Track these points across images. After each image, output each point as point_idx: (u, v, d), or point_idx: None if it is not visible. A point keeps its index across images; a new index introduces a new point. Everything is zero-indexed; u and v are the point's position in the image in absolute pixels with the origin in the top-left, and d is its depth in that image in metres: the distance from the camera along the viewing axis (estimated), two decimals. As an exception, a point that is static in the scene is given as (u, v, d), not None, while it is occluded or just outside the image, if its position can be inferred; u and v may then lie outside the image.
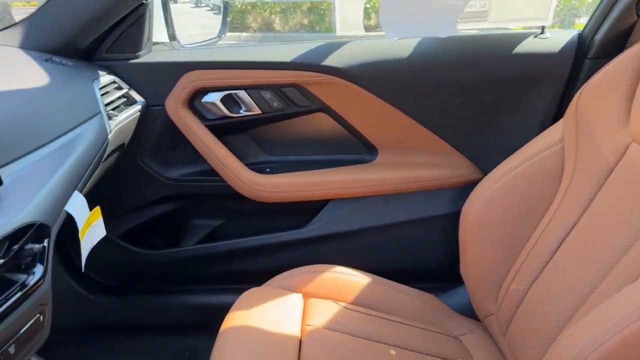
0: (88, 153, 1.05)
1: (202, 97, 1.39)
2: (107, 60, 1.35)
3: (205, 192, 1.47)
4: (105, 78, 1.30)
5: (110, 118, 1.23)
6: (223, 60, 1.36)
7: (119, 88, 1.34)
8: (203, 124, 1.40)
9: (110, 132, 1.17)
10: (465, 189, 1.42)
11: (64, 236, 1.05)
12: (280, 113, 1.37)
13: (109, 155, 1.26)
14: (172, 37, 1.53)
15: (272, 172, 1.44)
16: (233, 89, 1.38)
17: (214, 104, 1.39)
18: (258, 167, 1.48)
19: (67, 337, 1.57)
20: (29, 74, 1.07)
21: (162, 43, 1.51)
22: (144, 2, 1.32)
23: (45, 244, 0.81)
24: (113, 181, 1.36)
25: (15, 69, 1.09)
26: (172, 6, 1.53)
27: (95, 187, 1.17)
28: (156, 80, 1.37)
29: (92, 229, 1.02)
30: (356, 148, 1.43)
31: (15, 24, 1.27)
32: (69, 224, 0.92)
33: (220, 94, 1.38)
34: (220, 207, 1.51)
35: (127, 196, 1.48)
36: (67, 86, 1.14)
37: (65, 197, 0.92)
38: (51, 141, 0.91)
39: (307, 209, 1.41)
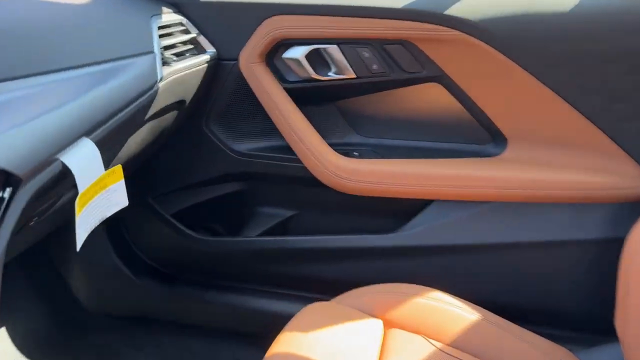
0: (120, 96, 0.78)
1: (285, 51, 1.10)
2: None
3: (278, 173, 1.19)
4: (169, 17, 1.05)
5: (166, 63, 0.97)
6: (312, 3, 1.05)
7: (186, 32, 1.08)
8: (282, 86, 1.10)
9: (161, 79, 0.90)
10: (631, 208, 0.99)
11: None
12: (380, 79, 1.10)
13: (163, 112, 1.00)
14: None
15: (361, 156, 1.15)
16: (323, 43, 1.08)
17: (297, 61, 1.09)
18: (344, 149, 1.18)
19: (106, 323, 1.36)
20: None
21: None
22: None
23: (6, 194, 0.56)
24: (170, 147, 1.19)
25: None
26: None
27: (148, 152, 1.00)
28: (232, 27, 1.11)
29: (105, 193, 0.75)
30: (478, 135, 1.14)
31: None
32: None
33: (306, 49, 1.09)
34: (293, 194, 1.24)
35: (185, 168, 1.23)
36: (117, 14, 0.92)
37: (62, 142, 0.65)
38: (74, 68, 0.71)
39: (401, 209, 1.14)
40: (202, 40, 1.12)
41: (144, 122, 0.94)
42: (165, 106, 1.01)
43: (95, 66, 0.75)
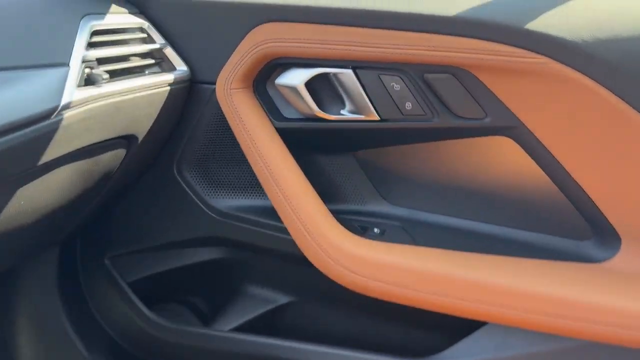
0: None
1: (279, 74, 0.76)
2: None
3: (268, 245, 0.87)
4: (121, 18, 0.75)
5: (92, 83, 0.65)
6: (319, 4, 0.70)
7: (147, 41, 0.77)
8: (272, 123, 0.75)
9: (67, 106, 0.62)
10: None
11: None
12: (416, 126, 0.74)
13: (97, 151, 0.74)
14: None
15: (383, 235, 0.79)
16: (332, 66, 0.73)
17: (294, 89, 0.74)
18: (361, 221, 0.82)
19: None
20: None
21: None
22: None
23: None
24: (134, 194, 0.93)
25: None
26: None
27: (92, 201, 0.82)
28: (213, 37, 0.77)
29: None
30: (571, 225, 0.74)
31: None
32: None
33: (309, 73, 0.74)
34: (290, 273, 0.91)
35: (151, 224, 0.95)
36: (33, 15, 0.67)
37: None
38: None
39: (440, 324, 0.78)
40: (170, 53, 0.79)
41: (44, 168, 0.64)
42: (96, 143, 0.70)
43: None
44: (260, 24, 0.74)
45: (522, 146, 0.70)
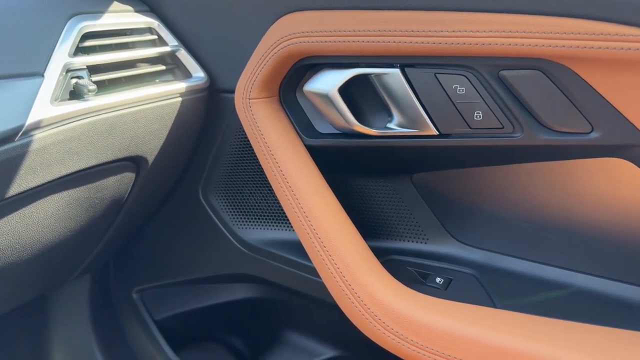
0: None
1: (308, 78, 0.60)
2: None
3: (302, 287, 0.72)
4: (123, 18, 0.62)
5: (78, 96, 0.55)
6: None
7: (156, 43, 0.64)
8: (301, 140, 0.59)
9: (38, 127, 0.54)
10: None
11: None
12: (491, 142, 0.54)
13: (93, 177, 0.63)
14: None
15: (448, 288, 0.61)
16: (374, 64, 0.56)
17: (326, 97, 0.56)
18: (419, 267, 0.64)
19: None
20: None
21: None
22: None
23: None
24: (161, 220, 0.81)
25: None
26: None
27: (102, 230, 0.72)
28: (233, 35, 0.63)
29: None
30: None
31: None
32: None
33: (344, 75, 0.57)
34: (332, 322, 0.74)
35: (177, 256, 0.81)
36: (8, 16, 0.57)
37: None
38: None
39: None
40: (185, 57, 0.66)
41: (31, 196, 0.54)
42: (89, 168, 0.59)
43: None
44: (284, 14, 0.58)
45: None
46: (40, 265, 0.69)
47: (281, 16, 0.59)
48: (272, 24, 0.60)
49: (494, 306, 0.58)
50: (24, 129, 0.50)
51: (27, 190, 0.54)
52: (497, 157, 0.56)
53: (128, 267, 0.88)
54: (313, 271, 0.66)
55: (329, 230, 0.59)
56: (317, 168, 0.61)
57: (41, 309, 0.90)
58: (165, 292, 0.87)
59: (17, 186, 0.53)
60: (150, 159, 0.67)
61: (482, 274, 0.61)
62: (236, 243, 0.74)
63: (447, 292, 0.59)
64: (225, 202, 0.74)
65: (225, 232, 0.75)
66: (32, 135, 0.51)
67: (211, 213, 0.75)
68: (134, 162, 0.66)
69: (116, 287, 0.91)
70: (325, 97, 0.58)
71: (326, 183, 0.61)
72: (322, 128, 0.62)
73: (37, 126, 0.51)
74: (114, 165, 0.63)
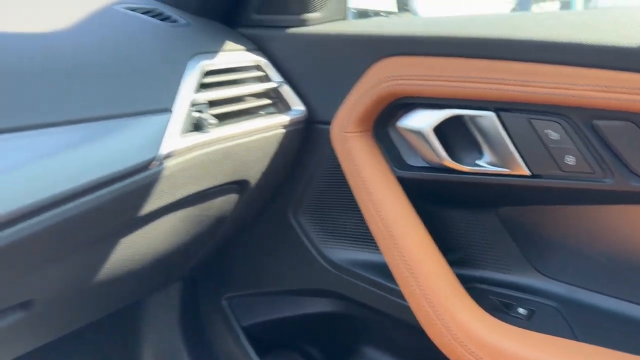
0: (67, 176, 0.49)
1: (402, 115, 0.64)
2: (256, 26, 0.72)
3: (386, 308, 0.75)
4: (237, 57, 0.69)
5: (199, 128, 0.60)
6: (456, 35, 0.57)
7: (263, 79, 0.70)
8: (393, 172, 0.63)
9: (168, 156, 0.58)
10: None
11: None
12: (582, 186, 0.56)
13: (202, 198, 0.69)
14: (404, 4, 0.79)
15: (531, 319, 0.63)
16: (469, 106, 0.59)
17: (421, 134, 0.61)
18: (501, 296, 0.66)
19: None
20: (98, 22, 0.64)
21: (381, 13, 0.80)
22: None
23: None
24: (252, 234, 0.87)
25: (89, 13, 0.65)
26: None
27: (204, 243, 0.78)
28: (332, 73, 0.68)
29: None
30: None
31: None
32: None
33: (439, 115, 0.61)
34: (413, 343, 0.76)
35: (265, 268, 0.88)
36: (123, 54, 0.63)
37: None
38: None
39: None
40: (287, 92, 0.72)
41: (148, 217, 0.60)
42: (204, 191, 0.64)
43: (60, 127, 0.51)
44: (383, 57, 0.63)
45: None
46: (144, 274, 0.76)
47: (380, 59, 0.63)
48: (370, 66, 0.65)
49: (577, 339, 0.60)
50: (156, 159, 0.57)
51: (153, 211, 0.62)
52: (586, 199, 0.58)
53: (218, 276, 0.95)
54: (396, 293, 0.71)
55: (416, 257, 0.63)
56: (406, 198, 0.65)
57: (133, 314, 0.97)
58: (252, 300, 0.93)
59: (146, 208, 0.60)
60: (253, 182, 0.73)
61: (565, 306, 0.63)
62: (322, 260, 0.80)
63: (529, 322, 0.62)
64: (314, 223, 0.80)
65: (312, 250, 0.80)
66: (162, 164, 0.58)
67: (300, 232, 0.81)
68: (239, 185, 0.72)
69: (205, 294, 0.98)
70: (419, 134, 0.62)
71: (415, 212, 0.65)
72: (412, 161, 0.66)
73: (167, 156, 0.58)
74: (223, 188, 0.70)
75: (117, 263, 0.64)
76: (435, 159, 0.62)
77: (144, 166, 0.56)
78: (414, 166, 0.66)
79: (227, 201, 0.74)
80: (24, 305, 0.56)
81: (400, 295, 0.68)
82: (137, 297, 0.90)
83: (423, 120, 0.61)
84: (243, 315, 0.94)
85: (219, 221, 0.77)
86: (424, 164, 0.65)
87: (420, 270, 0.62)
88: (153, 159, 0.57)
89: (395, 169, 0.66)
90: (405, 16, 0.80)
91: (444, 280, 0.62)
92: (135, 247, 0.66)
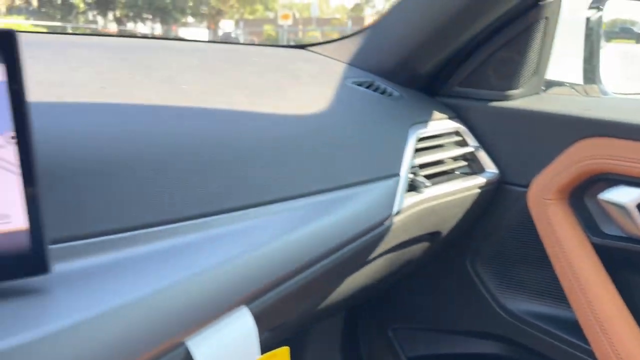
0: (330, 236, 0.59)
1: (600, 188, 0.72)
2: (457, 97, 0.83)
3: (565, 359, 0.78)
4: (440, 124, 0.80)
5: (415, 189, 0.71)
6: None
7: (461, 144, 0.81)
8: (588, 239, 0.71)
9: (398, 213, 0.67)
10: None
11: None
12: None
13: (403, 246, 0.78)
14: (591, 77, 0.86)
15: None
16: None
17: (622, 208, 0.69)
18: None
19: None
20: (320, 95, 0.73)
21: (565, 84, 0.87)
22: (540, 2, 0.74)
23: None
24: (423, 275, 0.94)
25: (313, 87, 0.75)
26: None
27: (387, 282, 0.85)
28: (527, 143, 0.78)
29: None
30: None
31: (353, 34, 0.92)
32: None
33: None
34: None
35: (438, 307, 0.97)
36: (360, 126, 0.72)
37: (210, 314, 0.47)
38: (290, 199, 0.57)
39: None
40: (482, 156, 0.82)
41: (364, 263, 0.71)
42: (407, 240, 0.76)
43: (316, 196, 0.60)
44: (585, 137, 0.71)
45: None
46: (347, 303, 0.87)
47: (582, 138, 0.72)
48: (570, 143, 0.73)
49: None
50: (389, 216, 0.69)
51: (372, 258, 0.73)
52: None
53: (384, 308, 1.05)
54: (575, 347, 0.77)
55: (610, 318, 0.69)
56: (601, 263, 0.72)
57: (298, 340, 1.04)
58: (417, 334, 1.02)
59: (370, 255, 0.71)
60: (444, 233, 0.83)
61: None
62: (497, 308, 0.87)
63: None
64: (492, 273, 0.87)
65: (488, 297, 0.88)
66: (392, 220, 0.69)
67: (476, 280, 0.89)
68: (432, 235, 0.82)
69: (370, 323, 1.08)
70: (620, 207, 0.69)
71: (608, 276, 0.72)
72: (607, 230, 0.73)
73: (396, 214, 0.69)
74: (422, 237, 0.81)
75: (335, 296, 0.76)
76: (635, 231, 0.69)
77: (381, 221, 0.67)
78: (609, 235, 0.72)
79: (420, 248, 0.84)
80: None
81: (582, 350, 0.74)
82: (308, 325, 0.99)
83: (626, 196, 0.68)
84: (408, 346, 1.03)
85: (408, 263, 0.87)
86: (621, 234, 0.71)
87: (613, 330, 0.68)
88: (387, 217, 0.68)
89: (591, 236, 0.73)
90: (592, 90, 0.87)
91: (636, 342, 0.68)
92: (351, 283, 0.77)
